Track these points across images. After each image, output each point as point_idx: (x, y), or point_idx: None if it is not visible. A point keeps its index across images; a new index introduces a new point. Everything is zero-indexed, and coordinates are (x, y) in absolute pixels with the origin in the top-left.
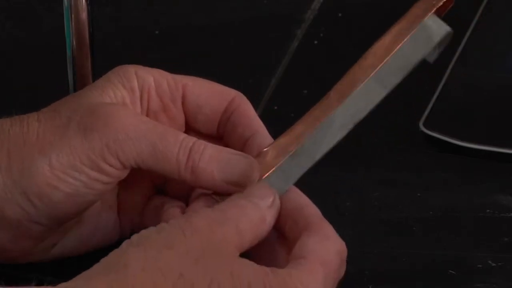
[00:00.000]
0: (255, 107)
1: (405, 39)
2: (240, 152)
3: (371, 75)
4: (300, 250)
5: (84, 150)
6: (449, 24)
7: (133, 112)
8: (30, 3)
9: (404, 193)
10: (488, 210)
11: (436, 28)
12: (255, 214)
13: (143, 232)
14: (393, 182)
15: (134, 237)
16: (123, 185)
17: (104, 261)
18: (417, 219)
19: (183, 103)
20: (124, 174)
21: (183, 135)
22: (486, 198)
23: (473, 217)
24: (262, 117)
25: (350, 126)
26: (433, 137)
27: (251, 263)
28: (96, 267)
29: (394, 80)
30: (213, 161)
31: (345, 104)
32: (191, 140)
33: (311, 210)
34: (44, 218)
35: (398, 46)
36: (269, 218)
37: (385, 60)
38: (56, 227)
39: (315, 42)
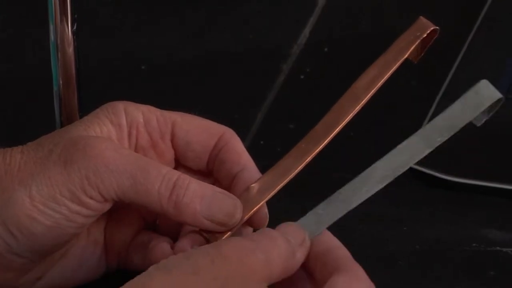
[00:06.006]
0: (242, 141)
1: (455, 102)
2: (224, 191)
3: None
4: None
5: (64, 182)
6: (436, 57)
7: (115, 144)
8: (16, 36)
9: (391, 227)
10: (474, 244)
11: (487, 93)
12: (286, 247)
13: (171, 257)
14: (379, 216)
15: (162, 261)
16: (111, 220)
17: (128, 284)
18: (404, 253)
19: (172, 139)
20: (105, 207)
21: (166, 169)
22: (473, 231)
23: (460, 250)
24: (249, 151)
25: (389, 179)
26: (420, 171)
27: None
28: None
29: (438, 139)
30: (197, 197)
31: (386, 157)
32: (175, 174)
33: (342, 252)
34: (25, 250)
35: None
36: (299, 254)
37: (432, 120)
38: (38, 260)
39: (302, 76)
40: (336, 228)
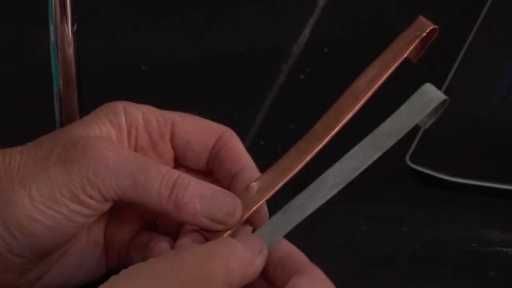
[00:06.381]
0: (242, 141)
1: (403, 105)
2: (224, 190)
3: (366, 138)
4: None
5: (64, 182)
6: (435, 59)
7: (115, 144)
8: (16, 36)
9: (391, 227)
10: (474, 244)
11: (432, 96)
12: (245, 254)
13: (132, 266)
14: (379, 217)
15: (123, 271)
16: (111, 220)
17: None
18: (404, 253)
19: (172, 139)
20: (105, 207)
21: (166, 168)
22: (472, 232)
23: (459, 251)
24: (249, 151)
25: (342, 184)
26: (420, 171)
27: None
28: None
29: (387, 142)
30: (197, 196)
31: (339, 163)
32: (175, 173)
33: (300, 256)
34: (25, 250)
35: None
36: (258, 262)
37: (380, 124)
38: (38, 260)
39: (302, 77)
40: (336, 228)
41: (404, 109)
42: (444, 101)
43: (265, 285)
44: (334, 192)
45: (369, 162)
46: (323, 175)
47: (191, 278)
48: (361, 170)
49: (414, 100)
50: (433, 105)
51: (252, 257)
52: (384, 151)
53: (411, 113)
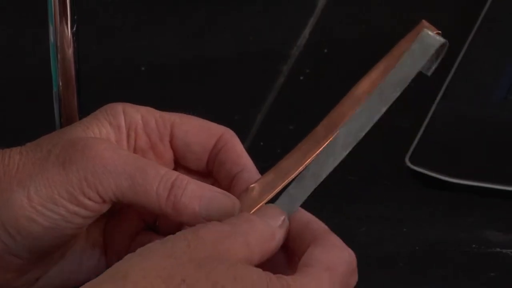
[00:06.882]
0: (242, 142)
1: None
2: (223, 191)
3: (373, 91)
4: (306, 259)
5: (63, 183)
6: None
7: (113, 145)
8: (16, 36)
9: (390, 228)
10: (474, 245)
11: (431, 41)
12: (265, 229)
13: (149, 243)
14: (379, 217)
15: (139, 248)
16: (110, 221)
17: (107, 271)
18: (404, 254)
19: (171, 141)
20: (104, 208)
21: (164, 169)
22: (472, 233)
23: (459, 252)
24: (249, 152)
25: (352, 144)
26: (419, 172)
27: (256, 268)
28: (99, 277)
29: (393, 95)
30: (195, 197)
31: (347, 123)
32: (174, 174)
33: (317, 224)
34: (23, 251)
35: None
36: (279, 236)
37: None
38: (37, 261)
39: (301, 78)
40: (337, 229)
41: (406, 57)
42: (443, 44)
43: (283, 256)
44: (345, 153)
45: (377, 117)
46: (332, 139)
47: (206, 256)
48: (368, 128)
49: (415, 48)
50: (433, 50)
51: (273, 231)
52: (390, 104)
53: (413, 61)
